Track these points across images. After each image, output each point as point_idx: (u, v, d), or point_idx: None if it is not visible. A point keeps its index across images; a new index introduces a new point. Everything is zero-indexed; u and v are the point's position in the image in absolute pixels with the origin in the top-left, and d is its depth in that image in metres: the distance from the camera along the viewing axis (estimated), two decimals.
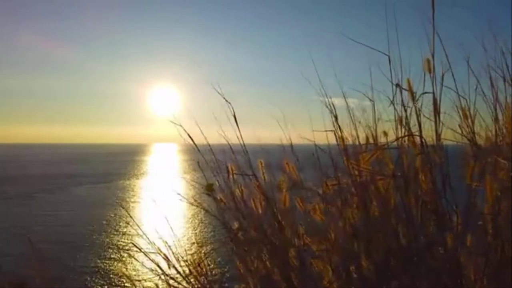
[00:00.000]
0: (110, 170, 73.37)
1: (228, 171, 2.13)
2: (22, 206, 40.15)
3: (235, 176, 2.13)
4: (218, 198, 2.13)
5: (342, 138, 1.96)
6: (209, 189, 2.19)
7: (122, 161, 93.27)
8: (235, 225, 2.10)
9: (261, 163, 2.11)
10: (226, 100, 2.03)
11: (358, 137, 1.92)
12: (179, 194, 2.43)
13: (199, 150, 2.13)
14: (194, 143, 2.15)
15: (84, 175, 66.06)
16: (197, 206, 2.28)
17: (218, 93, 2.01)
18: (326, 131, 1.98)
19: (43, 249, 24.66)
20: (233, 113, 2.06)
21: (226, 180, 2.16)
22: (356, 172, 1.80)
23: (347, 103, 1.98)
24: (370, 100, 1.90)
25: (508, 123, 1.75)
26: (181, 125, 2.12)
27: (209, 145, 2.16)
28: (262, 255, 2.01)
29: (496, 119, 1.70)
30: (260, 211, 2.07)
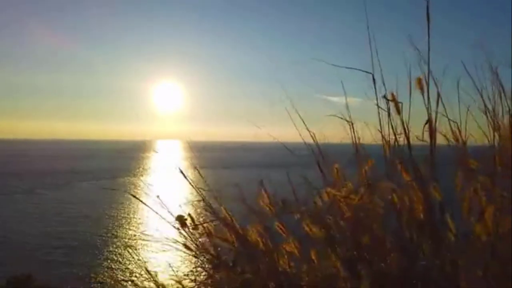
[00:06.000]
0: (115, 166, 73.57)
1: (183, 224, 2.00)
2: (28, 201, 40.37)
3: (197, 227, 1.99)
4: (185, 238, 2.02)
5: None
6: (180, 220, 2.07)
7: (126, 158, 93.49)
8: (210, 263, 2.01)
9: (227, 212, 1.99)
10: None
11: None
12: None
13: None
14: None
15: (89, 171, 66.31)
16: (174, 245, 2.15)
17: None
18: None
19: (46, 245, 24.86)
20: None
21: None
22: (345, 209, 1.75)
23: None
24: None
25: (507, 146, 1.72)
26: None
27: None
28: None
29: (493, 141, 1.68)
30: (235, 247, 1.96)
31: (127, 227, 30.23)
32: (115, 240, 26.66)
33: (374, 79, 1.72)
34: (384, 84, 1.73)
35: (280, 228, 1.91)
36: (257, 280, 1.86)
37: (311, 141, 2.01)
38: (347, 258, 1.74)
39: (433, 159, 1.68)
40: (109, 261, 22.74)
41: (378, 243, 1.74)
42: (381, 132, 1.72)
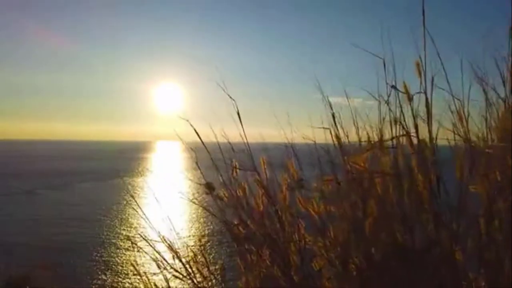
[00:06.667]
0: (115, 167, 73.71)
1: (232, 168, 2.14)
2: (28, 202, 40.44)
3: (237, 173, 2.15)
4: (220, 195, 2.16)
5: (338, 137, 1.97)
6: (208, 188, 2.20)
7: (126, 158, 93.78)
8: (236, 221, 2.11)
9: (263, 160, 2.12)
10: (231, 97, 2.06)
11: (348, 134, 1.93)
12: (181, 193, 2.47)
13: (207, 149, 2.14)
14: (201, 140, 2.16)
15: (89, 172, 66.46)
16: (197, 204, 2.31)
17: (224, 90, 2.04)
18: (323, 128, 1.99)
19: (45, 246, 24.92)
20: (236, 110, 2.09)
21: (229, 177, 2.17)
22: (353, 171, 1.81)
23: (348, 102, 1.99)
24: (376, 99, 1.89)
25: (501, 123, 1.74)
26: (190, 124, 2.12)
27: (216, 143, 2.16)
28: (262, 252, 2.02)
29: (487, 119, 1.69)
30: (261, 207, 2.08)
31: (128, 227, 30.27)
32: (115, 240, 26.71)
33: (384, 64, 1.74)
34: (394, 71, 1.76)
35: (299, 200, 2.00)
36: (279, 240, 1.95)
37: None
38: (358, 224, 1.78)
39: (430, 133, 1.70)
40: (108, 261, 22.77)
41: (382, 209, 1.78)
42: (389, 110, 1.74)
